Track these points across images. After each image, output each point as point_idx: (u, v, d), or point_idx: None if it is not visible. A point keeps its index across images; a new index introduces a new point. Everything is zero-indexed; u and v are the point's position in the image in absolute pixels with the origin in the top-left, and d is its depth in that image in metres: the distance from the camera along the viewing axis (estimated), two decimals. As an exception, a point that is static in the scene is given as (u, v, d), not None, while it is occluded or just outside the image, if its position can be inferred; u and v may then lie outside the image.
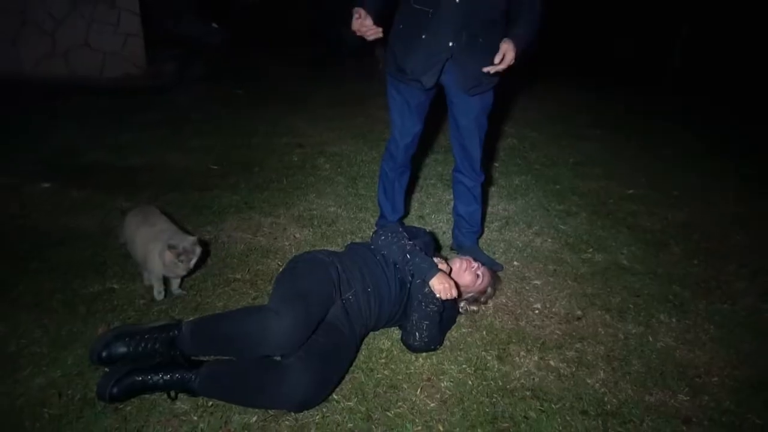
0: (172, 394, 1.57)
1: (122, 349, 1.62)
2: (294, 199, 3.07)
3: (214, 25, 8.29)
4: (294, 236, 2.66)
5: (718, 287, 2.50)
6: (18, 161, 3.32)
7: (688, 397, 1.78)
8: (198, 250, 2.04)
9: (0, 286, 2.07)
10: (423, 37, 2.09)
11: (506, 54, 1.98)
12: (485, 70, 2.04)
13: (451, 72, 2.16)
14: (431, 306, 1.82)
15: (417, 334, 1.82)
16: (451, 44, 2.07)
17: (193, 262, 2.05)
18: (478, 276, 2.05)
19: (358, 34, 2.04)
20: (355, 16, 2.01)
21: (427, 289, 1.83)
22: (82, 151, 3.58)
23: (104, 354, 1.61)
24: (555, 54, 6.80)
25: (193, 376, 1.56)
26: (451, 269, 2.03)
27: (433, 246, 2.11)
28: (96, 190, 2.98)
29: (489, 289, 2.12)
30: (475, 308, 2.10)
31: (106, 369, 1.61)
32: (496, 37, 2.04)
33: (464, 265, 2.04)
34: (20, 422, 1.48)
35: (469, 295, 2.07)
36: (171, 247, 1.99)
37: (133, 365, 1.58)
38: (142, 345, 1.63)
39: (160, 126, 4.22)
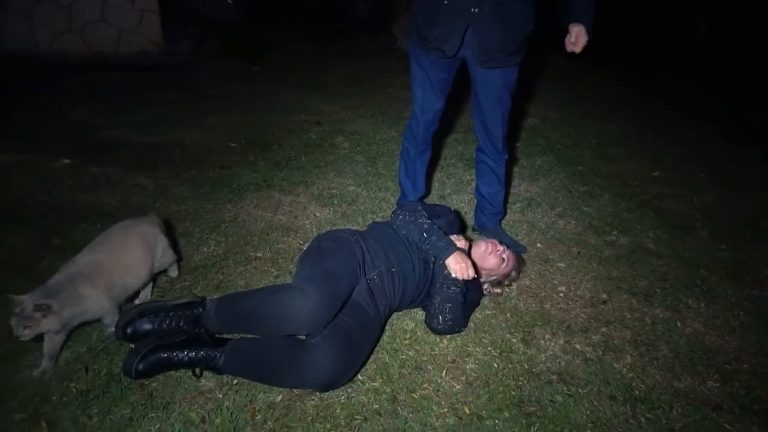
0: (197, 371, 1.57)
1: (147, 326, 1.62)
2: (313, 177, 3.04)
3: (230, 1, 8.21)
4: (314, 215, 2.63)
5: (747, 272, 2.43)
6: (37, 137, 3.32)
7: (718, 384, 1.75)
8: (42, 323, 1.49)
9: (24, 261, 2.08)
10: (445, 2, 2.02)
11: (578, 37, 2.03)
12: (569, 50, 2.07)
13: (471, 42, 2.09)
14: (453, 288, 1.79)
15: (440, 317, 1.80)
16: (473, 10, 2.00)
17: (28, 333, 1.48)
18: (503, 259, 2.01)
19: None
20: None
21: (446, 271, 1.80)
22: (100, 128, 3.57)
23: (129, 330, 1.61)
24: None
25: (217, 354, 1.55)
26: (471, 248, 2.00)
27: (458, 225, 2.07)
28: (115, 167, 2.98)
29: (513, 273, 2.09)
30: (498, 290, 2.07)
31: (131, 345, 1.62)
32: (522, 6, 1.99)
33: (489, 248, 2.00)
34: (48, 396, 1.49)
35: (494, 278, 2.04)
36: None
37: (159, 342, 1.57)
38: (167, 322, 1.62)
39: (177, 103, 4.20)
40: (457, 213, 2.15)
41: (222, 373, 1.57)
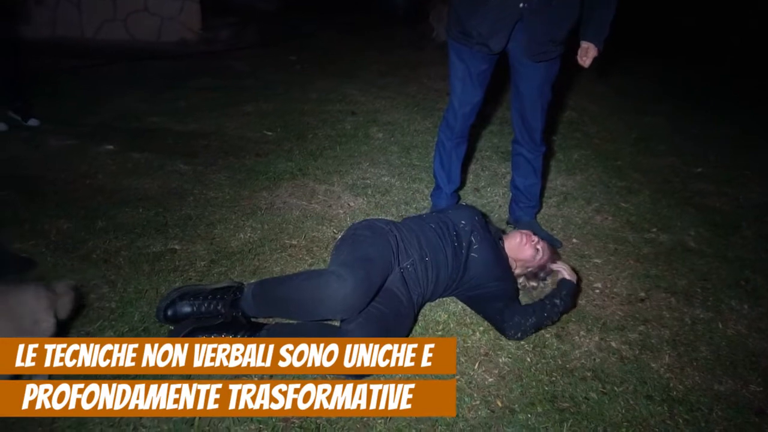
0: None
1: (186, 309, 1.67)
2: (347, 167, 3.06)
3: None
4: (348, 204, 2.65)
5: (795, 274, 2.34)
6: (83, 123, 3.44)
7: (761, 388, 1.69)
8: None
9: (72, 241, 2.16)
10: None
11: (588, 52, 2.11)
12: (580, 63, 2.13)
13: (520, 36, 2.06)
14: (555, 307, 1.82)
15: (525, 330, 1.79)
16: (521, 5, 1.97)
17: None
18: (537, 250, 1.99)
19: None
20: None
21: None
22: (142, 115, 3.67)
23: (170, 312, 1.66)
24: (619, 28, 6.43)
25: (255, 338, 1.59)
26: (504, 241, 2.02)
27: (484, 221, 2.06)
28: (156, 153, 3.06)
29: (549, 265, 2.06)
30: (534, 284, 2.04)
31: (171, 327, 1.67)
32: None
33: (524, 239, 1.99)
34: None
35: (529, 269, 2.02)
36: None
37: (197, 324, 1.62)
38: (206, 305, 1.67)
39: (215, 91, 4.27)
40: (475, 211, 2.11)
41: None
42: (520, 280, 2.03)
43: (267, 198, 2.66)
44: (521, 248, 1.97)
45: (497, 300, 1.81)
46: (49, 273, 1.95)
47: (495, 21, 2.02)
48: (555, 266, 1.97)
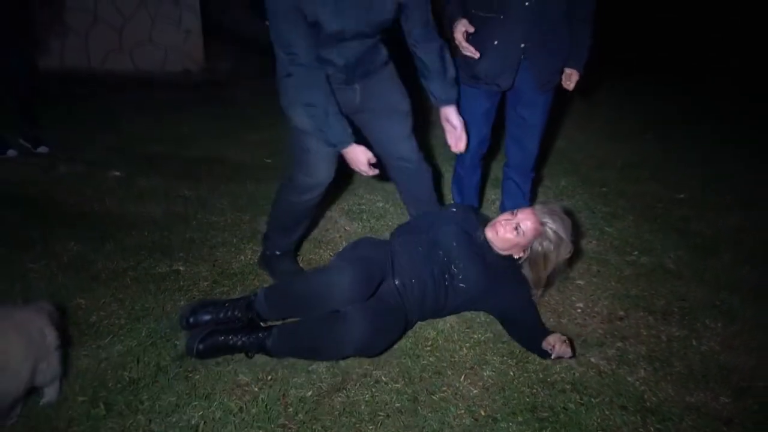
0: (250, 354, 1.79)
1: (206, 317, 1.84)
2: (343, 193, 3.20)
3: (267, 23, 8.53)
4: (344, 228, 2.78)
5: (769, 295, 2.46)
6: (91, 150, 3.59)
7: (730, 400, 1.80)
8: None
9: (81, 262, 2.29)
10: (495, 42, 2.17)
11: (572, 77, 2.27)
12: (566, 87, 2.30)
13: (527, 70, 2.24)
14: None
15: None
16: (523, 45, 2.16)
17: None
18: (516, 230, 1.97)
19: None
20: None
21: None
22: (147, 142, 3.82)
23: (191, 320, 1.84)
24: (608, 52, 6.66)
25: (267, 336, 1.77)
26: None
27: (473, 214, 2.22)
28: (161, 178, 3.20)
29: (539, 246, 2.00)
30: (536, 292, 2.09)
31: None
32: (563, 31, 2.19)
33: (498, 230, 2.01)
34: (104, 381, 1.67)
35: (526, 254, 2.04)
36: None
37: (216, 327, 1.80)
38: (223, 312, 1.85)
39: (218, 120, 4.44)
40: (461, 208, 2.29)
41: (272, 354, 1.78)
42: (525, 267, 2.07)
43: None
44: (502, 239, 2.00)
45: (514, 326, 1.98)
46: (60, 291, 2.07)
47: (502, 62, 2.21)
48: (556, 353, 1.77)
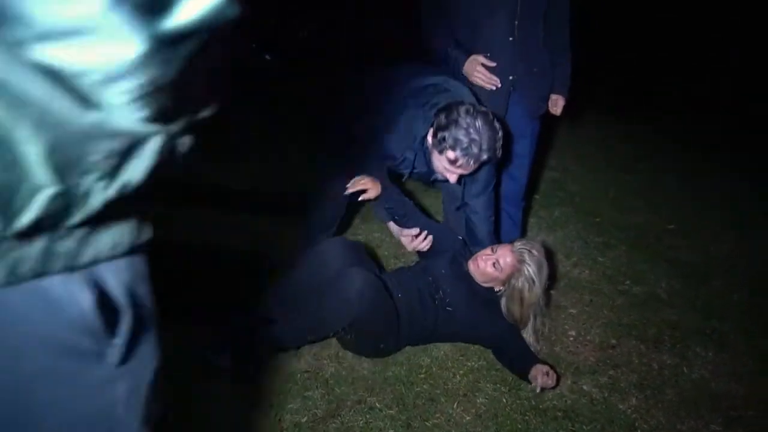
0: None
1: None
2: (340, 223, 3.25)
3: (267, 57, 8.72)
4: (341, 258, 2.83)
5: (760, 321, 2.50)
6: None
7: (721, 428, 1.83)
8: None
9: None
10: None
11: (558, 102, 2.38)
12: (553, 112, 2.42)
13: (518, 101, 2.34)
14: None
15: None
16: (511, 77, 2.26)
17: None
18: (495, 266, 2.05)
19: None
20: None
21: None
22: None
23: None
24: (598, 83, 6.78)
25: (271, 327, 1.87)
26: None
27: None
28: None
29: (515, 282, 2.06)
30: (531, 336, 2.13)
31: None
32: (545, 58, 2.31)
33: (479, 265, 2.08)
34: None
35: (503, 288, 2.10)
36: None
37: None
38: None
39: (222, 152, 4.52)
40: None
41: (282, 342, 1.90)
42: (503, 301, 2.12)
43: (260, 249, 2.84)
44: (482, 273, 2.08)
45: (503, 354, 2.04)
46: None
47: (494, 97, 2.30)
48: (538, 386, 1.83)
